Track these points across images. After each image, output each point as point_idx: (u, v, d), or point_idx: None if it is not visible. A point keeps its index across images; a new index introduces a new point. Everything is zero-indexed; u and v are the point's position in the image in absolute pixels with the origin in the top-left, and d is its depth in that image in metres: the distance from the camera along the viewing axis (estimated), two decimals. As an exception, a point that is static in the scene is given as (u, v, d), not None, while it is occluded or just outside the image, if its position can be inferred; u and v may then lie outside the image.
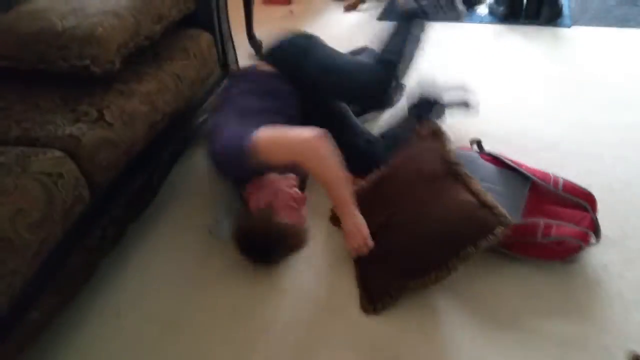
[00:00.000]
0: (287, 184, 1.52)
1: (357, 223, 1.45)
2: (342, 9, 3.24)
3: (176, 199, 1.79)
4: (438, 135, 1.57)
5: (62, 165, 1.28)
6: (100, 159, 1.38)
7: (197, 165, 1.92)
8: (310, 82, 1.75)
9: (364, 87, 1.80)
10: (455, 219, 1.32)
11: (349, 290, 1.42)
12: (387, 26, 1.96)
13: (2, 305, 1.09)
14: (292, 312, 1.38)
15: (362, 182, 1.64)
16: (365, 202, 1.52)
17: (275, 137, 1.43)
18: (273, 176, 1.52)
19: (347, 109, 1.90)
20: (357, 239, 1.44)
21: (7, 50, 1.51)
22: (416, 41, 1.90)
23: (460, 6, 2.03)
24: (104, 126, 1.41)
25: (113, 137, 1.42)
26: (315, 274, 1.49)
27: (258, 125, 1.45)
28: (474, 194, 1.35)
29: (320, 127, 1.45)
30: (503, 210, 1.33)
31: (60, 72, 1.48)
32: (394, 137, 1.81)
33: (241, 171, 1.49)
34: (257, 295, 1.44)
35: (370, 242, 1.44)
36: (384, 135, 1.86)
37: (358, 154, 1.71)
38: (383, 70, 1.80)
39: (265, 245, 1.42)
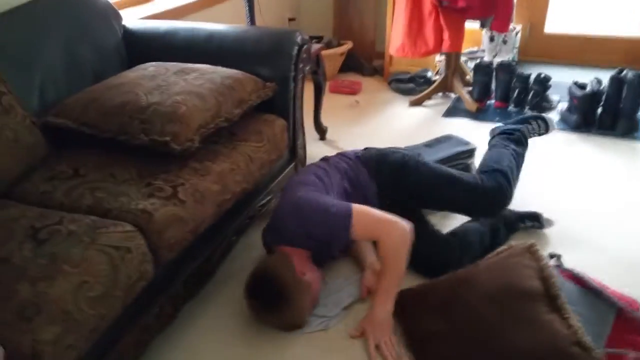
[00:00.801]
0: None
1: (390, 316, 1.49)
2: (407, 102, 3.29)
3: (232, 278, 1.73)
4: (533, 252, 1.47)
5: (132, 239, 1.27)
6: (169, 235, 1.37)
7: (255, 245, 1.87)
8: (415, 192, 1.79)
9: (485, 198, 1.78)
10: (545, 354, 1.19)
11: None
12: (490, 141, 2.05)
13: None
14: None
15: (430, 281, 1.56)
16: (423, 301, 1.44)
17: (371, 212, 1.52)
18: (314, 274, 1.57)
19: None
20: (385, 330, 1.46)
21: (92, 119, 1.58)
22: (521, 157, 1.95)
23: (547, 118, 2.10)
24: (177, 203, 1.41)
25: (183, 215, 1.41)
26: None
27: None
28: (569, 327, 1.22)
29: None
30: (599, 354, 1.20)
31: (140, 145, 1.52)
32: (467, 240, 1.73)
33: (331, 237, 1.53)
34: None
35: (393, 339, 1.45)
36: (453, 234, 1.79)
37: (429, 251, 1.68)
38: (504, 181, 1.78)
39: (279, 287, 1.42)
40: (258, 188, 1.86)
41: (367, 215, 1.52)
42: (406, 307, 1.50)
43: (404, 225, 1.50)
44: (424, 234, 1.73)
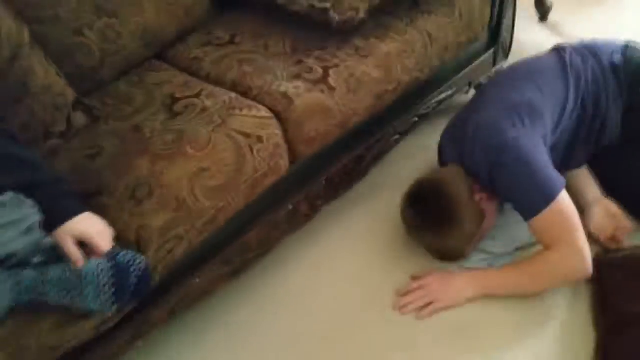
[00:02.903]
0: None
1: (464, 298, 1.19)
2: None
3: (388, 184, 1.48)
4: None
5: (265, 127, 1.09)
6: (310, 128, 1.15)
7: (424, 148, 1.56)
8: None
9: None
10: None
11: None
12: None
13: (159, 273, 0.98)
14: None
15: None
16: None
17: (572, 217, 1.10)
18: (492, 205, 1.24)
19: None
20: (444, 298, 1.18)
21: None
22: None
23: None
24: (325, 90, 1.16)
25: (331, 105, 1.17)
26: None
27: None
28: None
29: None
30: None
31: (298, 13, 1.26)
32: None
33: (511, 201, 1.19)
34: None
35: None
36: None
37: None
38: None
39: (451, 204, 1.15)
40: (437, 78, 1.48)
41: (564, 217, 1.09)
42: (612, 275, 1.10)
43: (587, 264, 1.09)
44: None
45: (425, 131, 1.58)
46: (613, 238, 1.20)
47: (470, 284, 1.17)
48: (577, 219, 1.09)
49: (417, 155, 1.56)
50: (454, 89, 1.57)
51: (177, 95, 1.15)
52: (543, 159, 1.11)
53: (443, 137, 1.34)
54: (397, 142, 1.49)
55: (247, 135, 1.06)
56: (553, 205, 1.06)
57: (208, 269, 1.12)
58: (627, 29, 2.00)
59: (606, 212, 1.25)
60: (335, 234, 1.38)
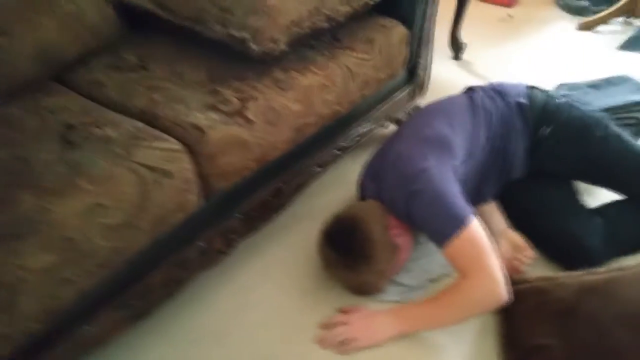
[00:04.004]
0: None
1: (386, 335, 1.16)
2: (575, 24, 2.56)
3: (308, 217, 1.43)
4: None
5: (174, 160, 1.01)
6: (225, 162, 1.09)
7: (344, 181, 1.54)
8: (586, 165, 1.35)
9: None
10: None
11: None
12: None
13: (43, 320, 0.85)
14: None
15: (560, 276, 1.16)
16: (537, 304, 1.12)
17: (482, 243, 1.09)
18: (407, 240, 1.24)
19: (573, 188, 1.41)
20: (366, 338, 1.15)
21: (170, 0, 1.27)
22: None
23: None
24: (242, 123, 1.10)
25: (248, 139, 1.11)
26: None
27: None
28: None
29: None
30: None
31: (217, 40, 1.20)
32: (617, 226, 1.29)
33: (427, 232, 1.17)
34: None
35: None
36: (600, 213, 1.34)
37: (564, 228, 1.29)
38: None
39: (365, 241, 1.15)
40: (356, 113, 1.48)
41: (475, 244, 1.08)
42: (515, 306, 1.12)
43: (500, 289, 1.08)
44: (565, 204, 1.34)
45: (346, 164, 1.57)
46: (514, 268, 1.25)
47: (391, 323, 1.15)
48: (488, 245, 1.09)
49: (338, 188, 1.54)
50: (374, 124, 1.58)
51: (75, 123, 1.03)
52: (453, 189, 1.13)
53: (362, 172, 1.34)
54: (318, 174, 1.46)
55: (153, 169, 0.97)
56: (463, 232, 1.07)
57: (103, 314, 0.99)
58: (535, 68, 2.18)
59: (510, 243, 1.30)
60: (253, 269, 1.32)
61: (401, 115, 1.70)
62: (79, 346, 0.98)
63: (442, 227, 1.09)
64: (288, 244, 1.38)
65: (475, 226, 1.08)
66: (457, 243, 1.07)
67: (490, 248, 1.09)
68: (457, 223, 1.07)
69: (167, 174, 0.98)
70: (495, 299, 1.08)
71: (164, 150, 1.00)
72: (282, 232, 1.40)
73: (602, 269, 1.19)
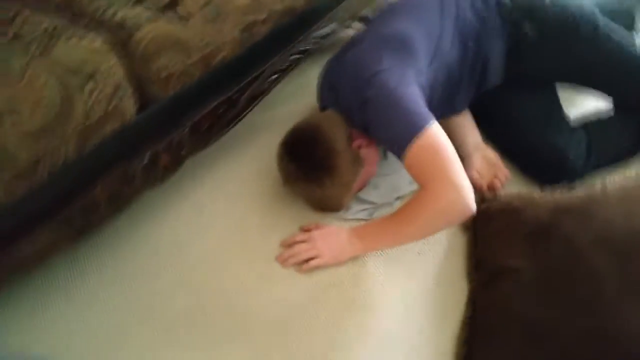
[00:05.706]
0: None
1: (348, 253, 1.10)
2: None
3: (266, 129, 1.34)
4: None
5: (99, 63, 0.89)
6: (160, 65, 0.97)
7: (306, 89, 1.43)
8: (570, 67, 1.26)
9: None
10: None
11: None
12: None
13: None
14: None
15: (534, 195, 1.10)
16: (509, 222, 1.05)
17: (444, 151, 0.99)
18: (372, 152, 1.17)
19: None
20: (328, 256, 1.08)
21: None
22: None
23: None
24: (174, 20, 0.97)
25: (183, 38, 0.99)
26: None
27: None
28: None
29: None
30: None
31: None
32: (601, 140, 1.22)
33: (385, 142, 1.11)
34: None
35: None
36: (584, 127, 1.28)
37: (545, 142, 1.24)
38: None
39: (326, 152, 1.08)
40: (316, 9, 1.34)
41: (436, 151, 0.98)
42: (484, 226, 1.07)
43: (466, 198, 0.98)
44: (548, 115, 1.28)
45: (306, 70, 1.45)
46: (490, 186, 1.19)
47: (353, 241, 1.09)
48: (452, 153, 1.00)
49: (300, 97, 1.43)
50: (336, 23, 1.44)
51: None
52: (411, 93, 1.03)
53: (320, 81, 1.23)
54: (275, 82, 1.35)
55: (74, 72, 0.86)
56: (421, 139, 0.97)
57: (40, 231, 0.92)
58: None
59: (485, 159, 1.23)
60: (206, 186, 1.24)
61: (369, 13, 1.55)
62: (18, 265, 0.93)
63: (399, 135, 1.00)
64: (244, 158, 1.29)
65: (435, 131, 1.00)
66: (416, 151, 0.98)
67: (454, 155, 1.00)
68: (415, 129, 0.98)
69: (92, 77, 0.87)
70: (461, 209, 1.00)
71: (87, 51, 0.88)
72: (238, 145, 1.31)
73: (580, 188, 1.12)
